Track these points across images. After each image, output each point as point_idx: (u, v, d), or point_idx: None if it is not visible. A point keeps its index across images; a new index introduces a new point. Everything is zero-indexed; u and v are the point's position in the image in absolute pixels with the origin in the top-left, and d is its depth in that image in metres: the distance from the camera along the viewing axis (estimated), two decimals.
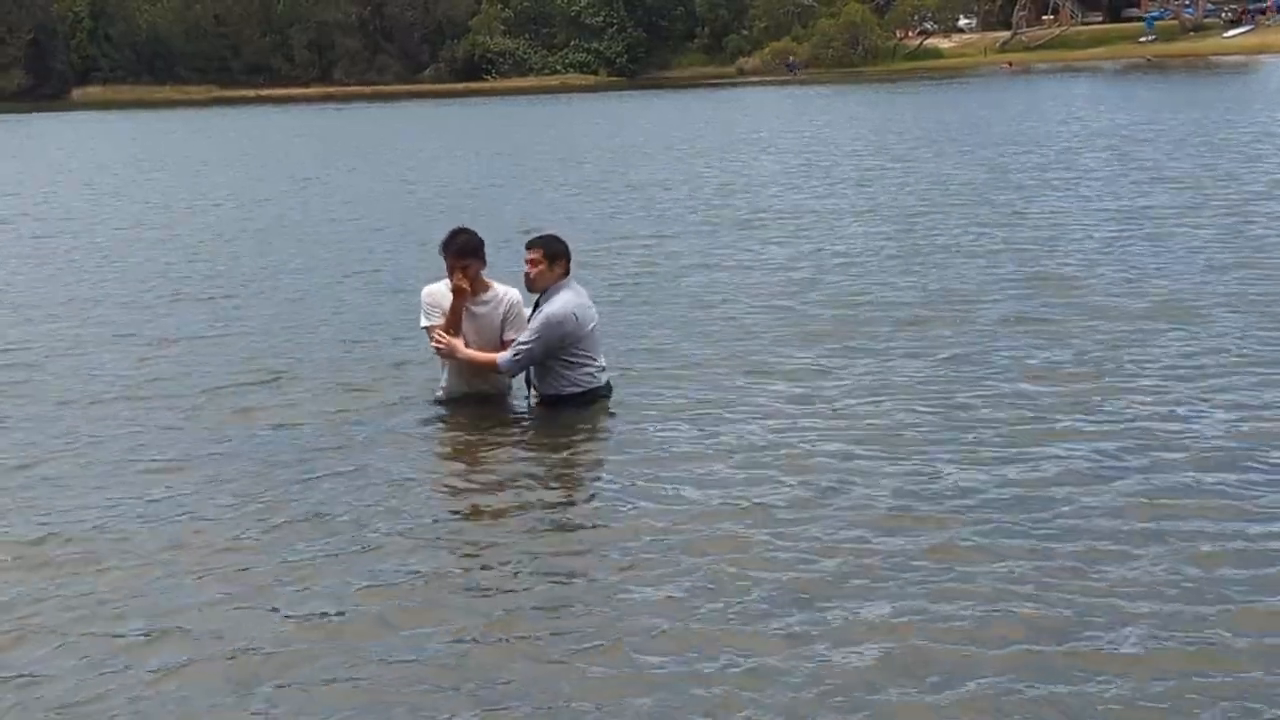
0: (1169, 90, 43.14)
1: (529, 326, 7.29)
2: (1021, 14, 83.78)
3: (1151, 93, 41.93)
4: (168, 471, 6.63)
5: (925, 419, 6.99)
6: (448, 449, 7.04)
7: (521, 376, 7.54)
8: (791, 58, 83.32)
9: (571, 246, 7.60)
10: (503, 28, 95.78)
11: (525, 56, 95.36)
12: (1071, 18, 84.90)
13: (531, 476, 6.34)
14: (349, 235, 16.21)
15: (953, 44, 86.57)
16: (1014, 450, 6.39)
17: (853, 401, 7.39)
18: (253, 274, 13.27)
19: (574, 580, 5.12)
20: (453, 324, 7.37)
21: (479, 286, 7.46)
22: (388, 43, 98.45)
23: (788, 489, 5.99)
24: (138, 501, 6.17)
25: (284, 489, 6.29)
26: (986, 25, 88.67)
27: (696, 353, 8.76)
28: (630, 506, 5.87)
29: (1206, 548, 5.16)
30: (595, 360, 7.45)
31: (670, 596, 4.90)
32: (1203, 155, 20.76)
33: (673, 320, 9.91)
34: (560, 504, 5.99)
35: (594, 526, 5.68)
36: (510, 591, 5.01)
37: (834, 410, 7.25)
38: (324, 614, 4.89)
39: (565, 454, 6.72)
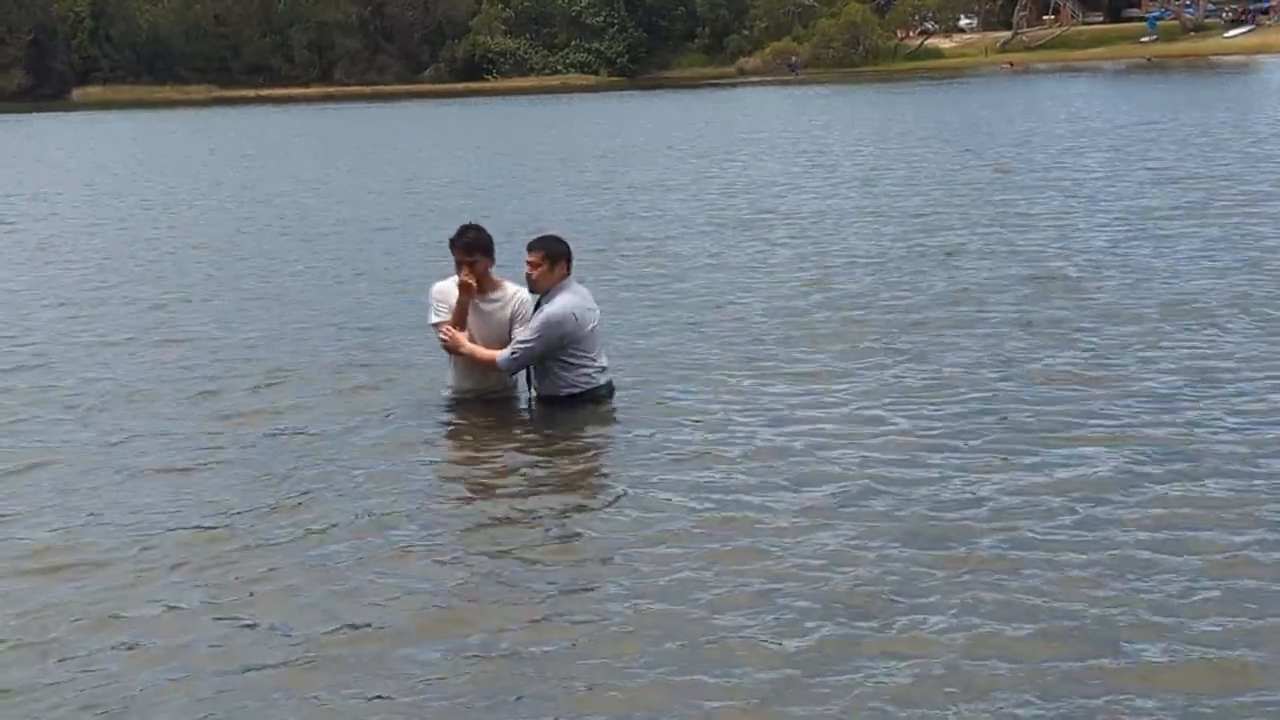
0: (1170, 90, 43.13)
1: (528, 326, 7.29)
2: (1022, 14, 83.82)
3: (1153, 93, 41.92)
4: (171, 473, 6.58)
5: (934, 424, 6.92)
6: (453, 452, 6.98)
7: (521, 376, 7.53)
8: (794, 58, 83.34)
9: (575, 247, 7.58)
10: (503, 28, 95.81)
11: (526, 56, 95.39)
12: (1072, 18, 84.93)
13: (536, 480, 6.29)
14: (351, 235, 16.18)
15: (953, 44, 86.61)
16: (1026, 456, 6.31)
17: (861, 405, 7.33)
18: (255, 275, 13.23)
19: (579, 584, 5.06)
20: (458, 320, 7.36)
21: (487, 284, 7.43)
22: (388, 43, 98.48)
23: (794, 493, 5.93)
24: (142, 504, 6.12)
25: (287, 492, 6.23)
26: (987, 25, 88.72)
27: (702, 354, 8.71)
28: (637, 511, 5.80)
29: (1222, 556, 5.08)
30: (594, 362, 7.42)
31: (682, 604, 4.83)
32: (1207, 155, 20.72)
33: (678, 322, 9.86)
34: (565, 508, 5.92)
35: (601, 533, 5.61)
36: (519, 603, 4.94)
37: (842, 414, 7.18)
38: (328, 617, 4.83)
39: (570, 456, 6.66)
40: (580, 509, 5.91)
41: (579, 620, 4.74)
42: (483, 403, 7.52)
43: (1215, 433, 6.57)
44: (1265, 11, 77.95)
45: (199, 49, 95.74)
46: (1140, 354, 8.21)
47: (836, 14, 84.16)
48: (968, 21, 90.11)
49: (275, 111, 63.94)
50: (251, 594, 5.08)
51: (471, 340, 7.39)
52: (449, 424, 7.37)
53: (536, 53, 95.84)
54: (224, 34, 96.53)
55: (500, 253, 7.59)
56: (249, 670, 4.48)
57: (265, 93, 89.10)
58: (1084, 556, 5.11)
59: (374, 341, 9.58)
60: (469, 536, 5.65)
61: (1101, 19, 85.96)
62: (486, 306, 7.44)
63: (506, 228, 12.63)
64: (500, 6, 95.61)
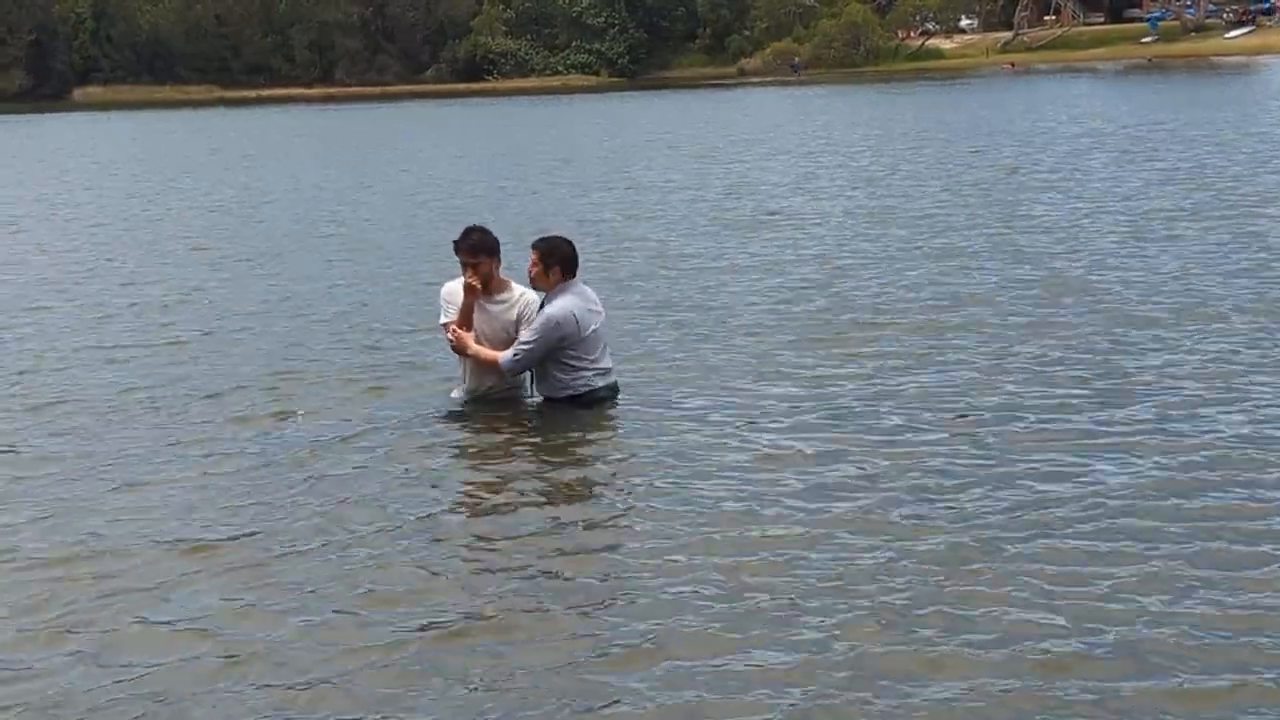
0: (1172, 91, 43.12)
1: (530, 327, 7.30)
2: (1023, 14, 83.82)
3: (1155, 94, 41.91)
4: (176, 476, 6.56)
5: (940, 425, 6.90)
6: (458, 455, 6.93)
7: (526, 377, 7.54)
8: (795, 58, 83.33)
9: (579, 248, 7.57)
10: (504, 28, 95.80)
11: (526, 57, 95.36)
12: (1073, 18, 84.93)
13: (538, 484, 6.27)
14: (354, 236, 16.16)
15: (954, 44, 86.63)
16: (1037, 461, 6.27)
17: (865, 408, 7.30)
18: (258, 276, 13.22)
19: (581, 589, 5.04)
20: (464, 321, 7.38)
21: (494, 285, 7.44)
22: (389, 43, 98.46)
23: (798, 497, 5.91)
24: (149, 505, 6.11)
25: (293, 494, 6.22)
26: (988, 26, 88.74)
27: (705, 356, 8.69)
28: (640, 514, 5.78)
29: (1234, 554, 5.06)
30: (594, 365, 7.41)
31: (684, 613, 4.80)
32: (1212, 156, 20.70)
33: (681, 323, 9.84)
34: (567, 511, 5.90)
35: (603, 537, 5.58)
36: (520, 609, 4.91)
37: (847, 417, 7.15)
38: (334, 620, 4.83)
39: (573, 459, 6.65)
40: (583, 512, 5.89)
41: (581, 630, 4.69)
42: (490, 403, 7.52)
43: (1227, 438, 6.52)
44: (1266, 12, 77.90)
45: (199, 49, 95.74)
46: (1152, 356, 8.17)
47: (837, 14, 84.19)
48: (968, 22, 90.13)
49: (276, 112, 63.93)
50: (263, 597, 5.06)
51: (479, 341, 7.40)
52: (454, 426, 7.35)
53: (537, 53, 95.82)
54: (224, 34, 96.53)
55: (503, 253, 7.59)
56: (252, 670, 4.46)
57: (266, 93, 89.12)
58: (1088, 556, 5.09)
59: (381, 343, 9.56)
60: (470, 542, 5.62)
61: (1102, 19, 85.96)
62: (493, 308, 7.44)
63: (509, 228, 12.60)
64: (501, 7, 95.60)
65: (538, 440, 6.98)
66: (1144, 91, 43.76)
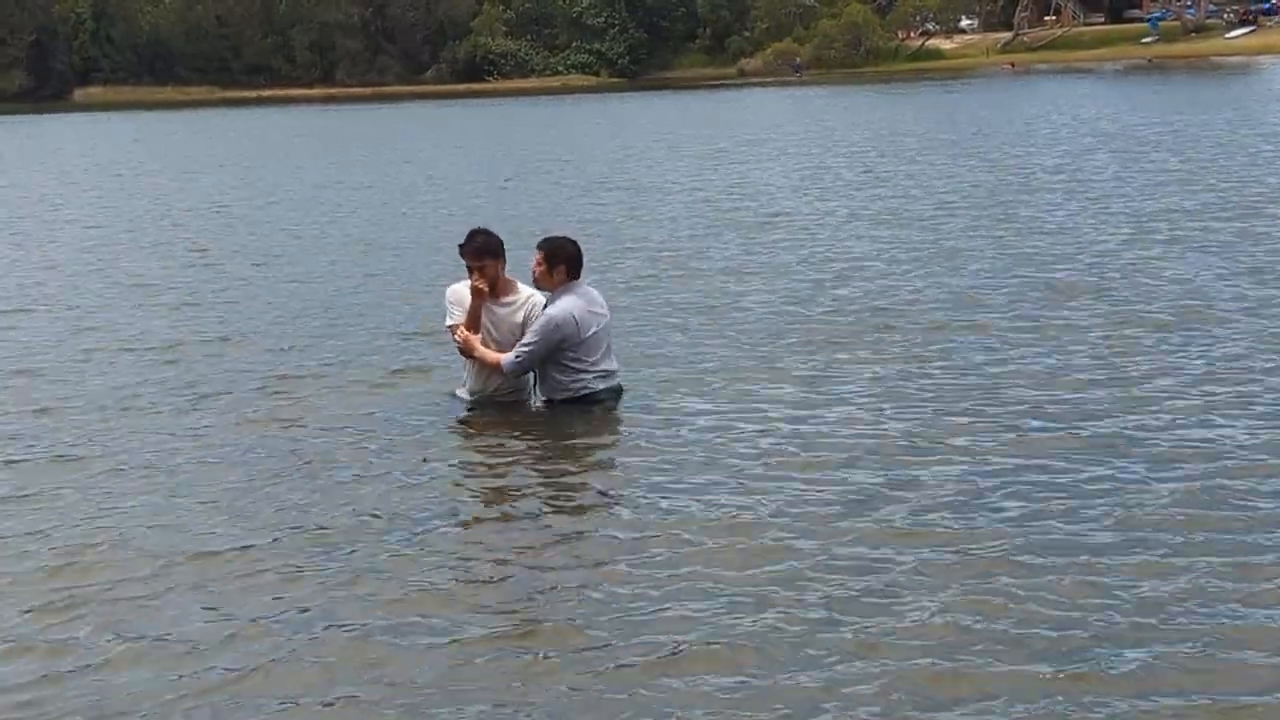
0: (1173, 91, 43.09)
1: (531, 329, 7.31)
2: (1023, 15, 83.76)
3: (1156, 94, 41.88)
4: (181, 478, 6.57)
5: (942, 428, 6.89)
6: (462, 457, 6.95)
7: (530, 379, 7.56)
8: (797, 59, 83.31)
9: (583, 249, 7.58)
10: (504, 29, 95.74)
11: (527, 57, 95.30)
12: (1073, 18, 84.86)
13: (542, 485, 6.28)
14: (357, 237, 16.17)
15: (954, 45, 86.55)
16: (1037, 462, 6.28)
17: (868, 410, 7.30)
18: (261, 278, 13.22)
19: (583, 592, 5.03)
20: (471, 323, 7.40)
21: (501, 287, 7.46)
22: (389, 44, 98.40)
23: (801, 498, 5.92)
24: (154, 508, 6.11)
25: (297, 495, 6.23)
26: (988, 26, 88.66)
27: (708, 357, 8.69)
28: (644, 516, 5.79)
29: (1238, 561, 5.04)
30: (595, 368, 7.41)
31: (688, 612, 4.81)
32: (1213, 157, 20.69)
33: (683, 324, 9.84)
34: (571, 514, 5.91)
35: (606, 539, 5.58)
36: (524, 613, 4.92)
37: (849, 418, 7.15)
38: (341, 623, 4.83)
39: (577, 461, 6.66)
40: (584, 516, 5.88)
41: (584, 636, 4.67)
42: (495, 405, 7.54)
43: (1232, 438, 6.51)
44: (1267, 12, 77.86)
45: (200, 50, 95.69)
46: (1159, 359, 8.15)
47: (838, 15, 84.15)
48: (969, 22, 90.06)
49: (276, 112, 63.91)
50: (256, 602, 5.07)
51: (486, 343, 7.42)
52: (457, 428, 7.37)
53: (537, 54, 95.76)
54: (225, 35, 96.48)
55: (508, 254, 7.61)
56: (255, 673, 4.47)
57: (266, 93, 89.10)
58: (1093, 561, 5.07)
59: (383, 344, 9.57)
60: (472, 544, 5.63)
61: (1102, 20, 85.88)
62: (500, 310, 7.46)
63: (511, 229, 12.60)
64: (501, 7, 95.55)
65: (539, 443, 6.98)
66: (1144, 92, 43.73)
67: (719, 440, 6.81)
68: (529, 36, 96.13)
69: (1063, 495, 5.81)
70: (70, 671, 4.55)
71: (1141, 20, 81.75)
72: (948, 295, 10.53)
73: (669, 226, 15.83)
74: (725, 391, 7.79)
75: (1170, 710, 4.05)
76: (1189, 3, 79.36)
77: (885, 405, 7.36)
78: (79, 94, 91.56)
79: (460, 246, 7.48)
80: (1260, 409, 7.01)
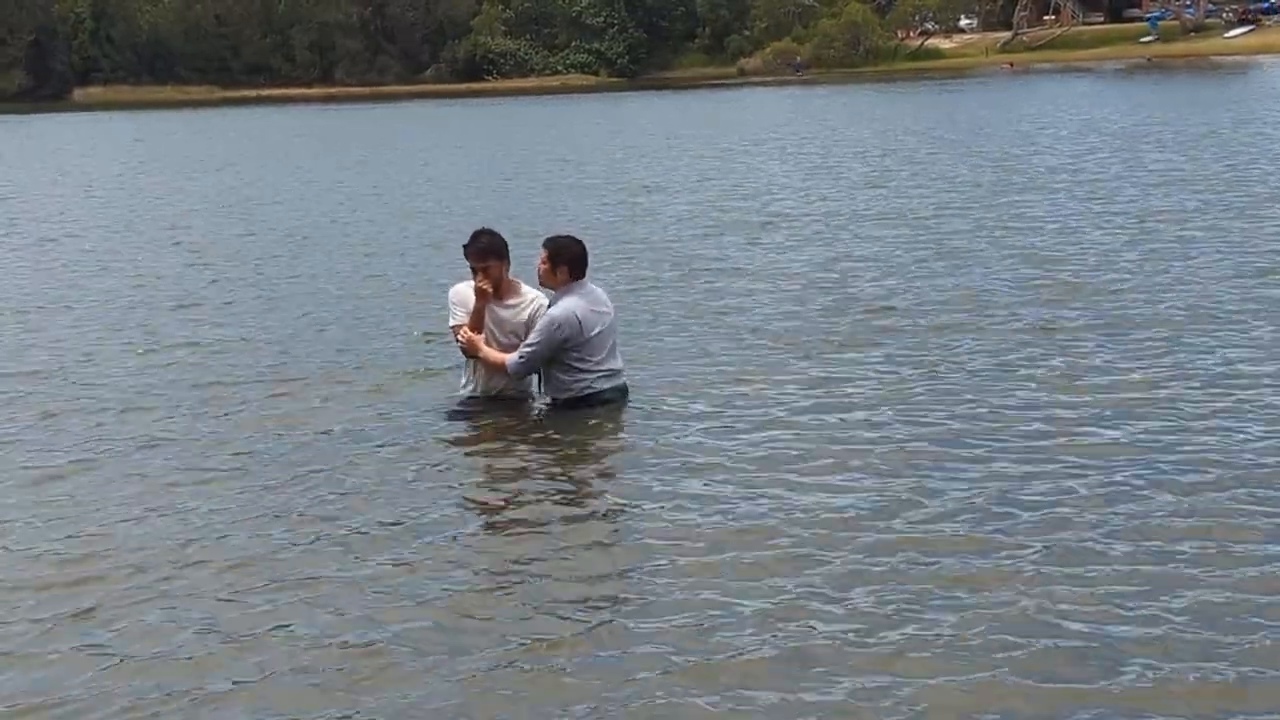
0: (1173, 90, 43.07)
1: (534, 329, 7.31)
2: (1023, 14, 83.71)
3: (1156, 93, 41.88)
4: (184, 480, 6.57)
5: (951, 429, 6.88)
6: (465, 458, 6.93)
7: (534, 379, 7.57)
8: (798, 58, 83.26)
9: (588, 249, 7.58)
10: (504, 28, 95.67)
11: (526, 57, 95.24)
12: (1072, 18, 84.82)
13: (545, 487, 6.27)
14: (359, 238, 16.15)
15: (954, 44, 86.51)
16: (1045, 465, 6.24)
17: (872, 411, 7.29)
18: (263, 278, 13.21)
19: (587, 595, 5.02)
20: (475, 324, 7.39)
21: (505, 288, 7.46)
22: (389, 43, 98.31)
23: (804, 499, 5.91)
24: (158, 511, 6.11)
25: (300, 497, 6.23)
26: (987, 25, 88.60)
27: (711, 358, 8.69)
28: (648, 517, 5.79)
29: (1254, 571, 4.97)
30: (599, 367, 7.40)
31: (691, 616, 4.80)
32: (1215, 156, 20.67)
33: (686, 325, 9.84)
34: (573, 516, 5.89)
35: (610, 541, 5.58)
36: (527, 616, 4.90)
37: (852, 420, 7.14)
38: (340, 621, 4.84)
39: (580, 462, 6.65)
40: (590, 520, 5.85)
41: (587, 639, 4.66)
42: (498, 405, 7.53)
43: (1237, 441, 6.49)
44: (1266, 11, 77.82)
45: (199, 49, 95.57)
46: (1163, 360, 8.13)
47: (837, 14, 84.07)
48: (968, 22, 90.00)
49: (276, 112, 63.84)
50: (260, 600, 5.08)
51: (491, 343, 7.42)
52: (460, 428, 7.35)
53: (537, 53, 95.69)
54: (224, 34, 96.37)
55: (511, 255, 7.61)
56: (261, 674, 4.48)
57: (266, 93, 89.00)
58: (1103, 569, 5.05)
59: (385, 344, 9.56)
60: (477, 548, 5.63)
61: (1102, 19, 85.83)
62: (504, 312, 7.46)
63: (512, 229, 12.60)
64: (501, 7, 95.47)
65: (542, 444, 6.96)
66: (1144, 91, 43.72)
67: (724, 444, 6.78)
68: (528, 36, 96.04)
69: (1076, 498, 5.78)
70: (75, 675, 4.55)
71: (1141, 20, 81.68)
72: (952, 296, 10.51)
73: (670, 226, 15.82)
74: (729, 394, 7.77)
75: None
76: (1188, 2, 79.30)
77: (891, 408, 7.34)
78: (79, 94, 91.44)
79: (464, 247, 7.48)
80: (1274, 412, 6.96)
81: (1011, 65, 72.91)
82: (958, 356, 8.49)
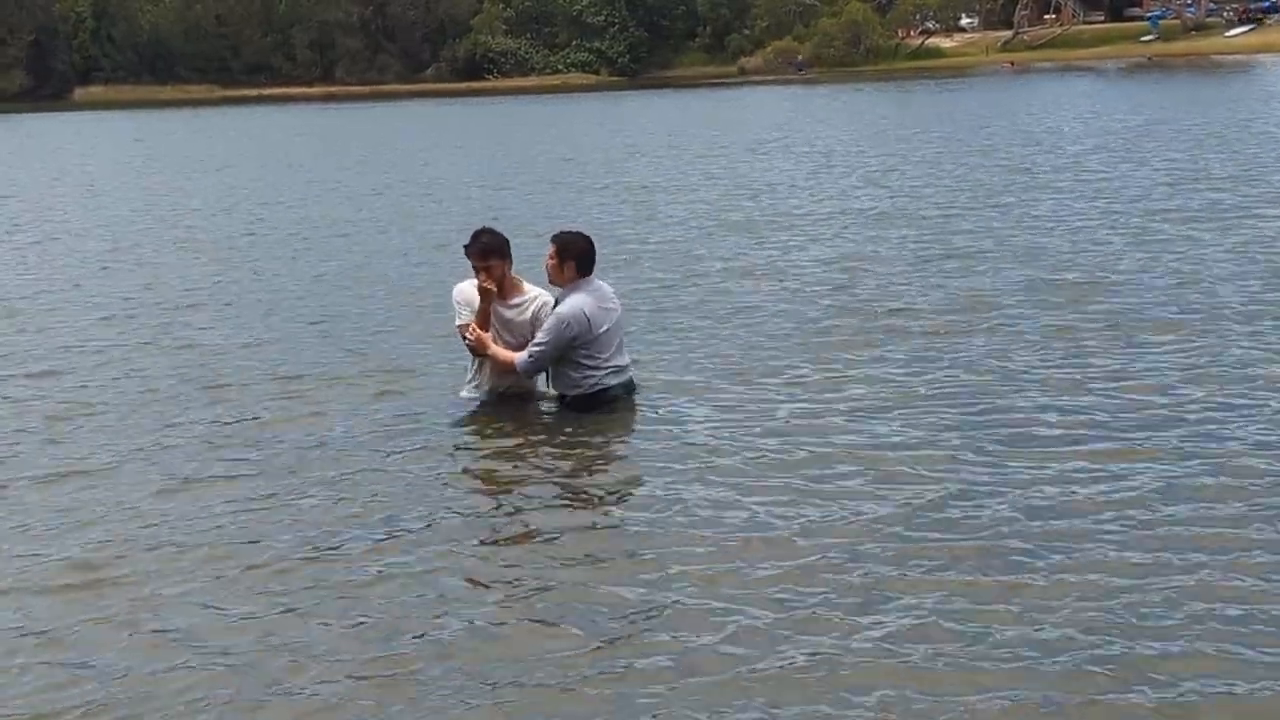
0: (1174, 90, 43.08)
1: (543, 327, 7.29)
2: (1023, 13, 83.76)
3: (1157, 92, 41.87)
4: (188, 482, 6.54)
5: (955, 430, 6.85)
6: (472, 457, 6.89)
7: (541, 376, 7.56)
8: (799, 57, 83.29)
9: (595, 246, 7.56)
10: (504, 27, 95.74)
11: (527, 56, 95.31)
12: (1073, 17, 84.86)
13: (550, 487, 6.26)
14: (361, 238, 16.13)
15: (954, 43, 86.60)
16: (1050, 467, 6.21)
17: (875, 412, 7.25)
18: (265, 279, 13.18)
19: (592, 596, 5.00)
20: (483, 323, 7.39)
21: (508, 287, 7.44)
22: (389, 42, 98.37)
23: (806, 499, 5.88)
24: (163, 512, 6.09)
25: (299, 497, 6.21)
26: (988, 24, 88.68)
27: (714, 358, 8.66)
28: (652, 518, 5.75)
29: (1262, 583, 4.93)
30: (607, 363, 7.40)
31: (696, 617, 4.77)
32: (1221, 155, 20.63)
33: (691, 326, 9.80)
34: (576, 516, 5.88)
35: (615, 542, 5.56)
36: (530, 617, 4.88)
37: (856, 420, 7.11)
38: (344, 621, 4.83)
39: (586, 461, 6.63)
40: (602, 524, 5.83)
41: (590, 639, 4.64)
42: (506, 402, 7.53)
43: (1247, 441, 6.46)
44: (1267, 11, 77.84)
45: (200, 49, 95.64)
46: (1168, 360, 8.10)
47: (838, 13, 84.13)
48: (969, 21, 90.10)
49: (276, 111, 63.92)
50: (285, 607, 5.04)
51: (497, 343, 7.41)
52: (465, 427, 7.34)
53: (537, 52, 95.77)
54: (225, 34, 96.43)
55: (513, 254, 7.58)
56: (256, 680, 4.45)
57: (266, 92, 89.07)
58: (1125, 575, 5.01)
59: (389, 345, 9.53)
60: (488, 551, 5.59)
61: (1102, 18, 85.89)
62: (508, 312, 7.44)
63: (513, 229, 12.56)
64: (501, 6, 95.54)
65: (551, 446, 6.92)
66: (1146, 90, 43.71)
67: (735, 447, 6.74)
68: (529, 35, 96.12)
69: (1080, 498, 5.76)
70: (84, 671, 4.53)
71: (1142, 19, 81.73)
72: (955, 296, 10.48)
73: (672, 226, 15.79)
74: (734, 393, 7.75)
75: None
76: (1189, 1, 79.34)
77: (896, 408, 7.31)
78: (79, 93, 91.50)
79: (465, 246, 7.45)
80: (1273, 412, 6.94)
81: (1012, 64, 72.94)
82: (962, 357, 8.45)
